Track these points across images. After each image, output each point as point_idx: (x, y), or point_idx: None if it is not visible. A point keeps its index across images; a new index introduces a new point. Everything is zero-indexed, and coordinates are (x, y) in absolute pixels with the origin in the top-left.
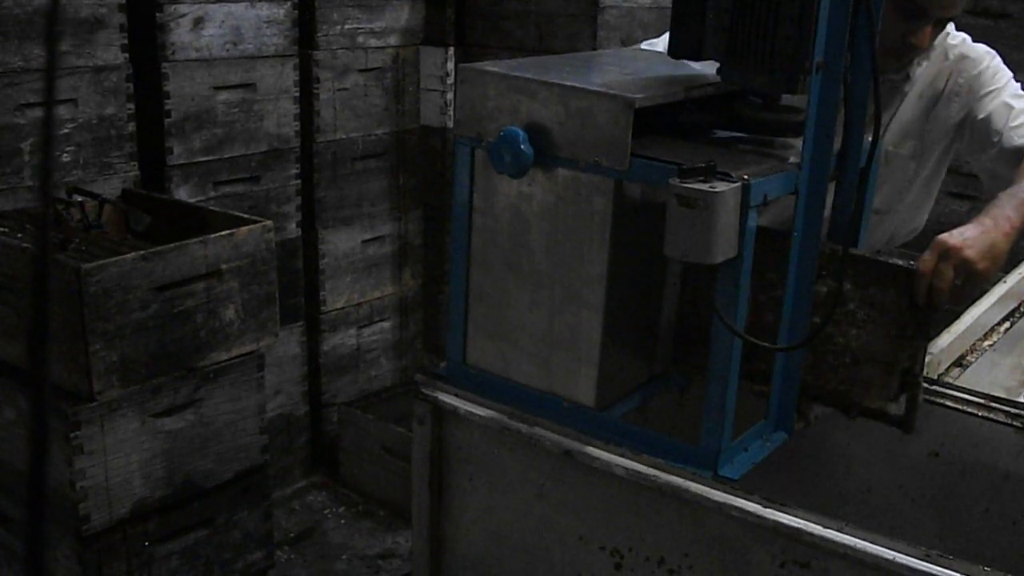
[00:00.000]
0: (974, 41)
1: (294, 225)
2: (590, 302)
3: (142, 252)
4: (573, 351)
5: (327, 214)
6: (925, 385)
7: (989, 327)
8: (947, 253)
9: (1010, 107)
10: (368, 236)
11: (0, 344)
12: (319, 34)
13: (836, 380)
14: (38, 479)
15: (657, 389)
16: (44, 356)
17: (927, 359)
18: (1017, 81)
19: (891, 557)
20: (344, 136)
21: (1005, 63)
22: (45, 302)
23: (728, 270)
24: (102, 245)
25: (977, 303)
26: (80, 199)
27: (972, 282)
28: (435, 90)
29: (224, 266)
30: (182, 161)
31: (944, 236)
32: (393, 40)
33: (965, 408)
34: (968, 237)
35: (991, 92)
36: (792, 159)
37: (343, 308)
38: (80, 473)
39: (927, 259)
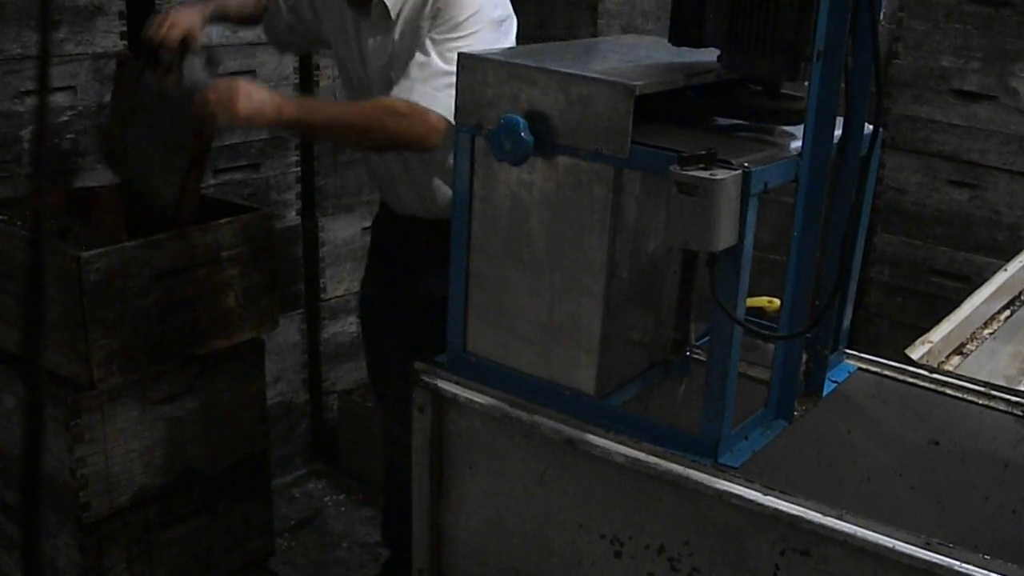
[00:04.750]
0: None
1: (294, 213)
2: (590, 290)
3: (142, 240)
4: (573, 339)
5: (327, 202)
6: (925, 373)
7: (989, 316)
8: (234, 87)
9: (424, 64)
10: (368, 224)
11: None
12: None
13: None
14: (32, 469)
15: (657, 377)
16: (39, 345)
17: (927, 348)
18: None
19: (891, 545)
20: None
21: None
22: (40, 290)
23: (728, 257)
24: (102, 232)
25: (977, 292)
26: None
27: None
28: None
29: (224, 254)
30: None
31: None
32: None
33: (965, 396)
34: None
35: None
36: (793, 147)
37: (343, 296)
38: (80, 461)
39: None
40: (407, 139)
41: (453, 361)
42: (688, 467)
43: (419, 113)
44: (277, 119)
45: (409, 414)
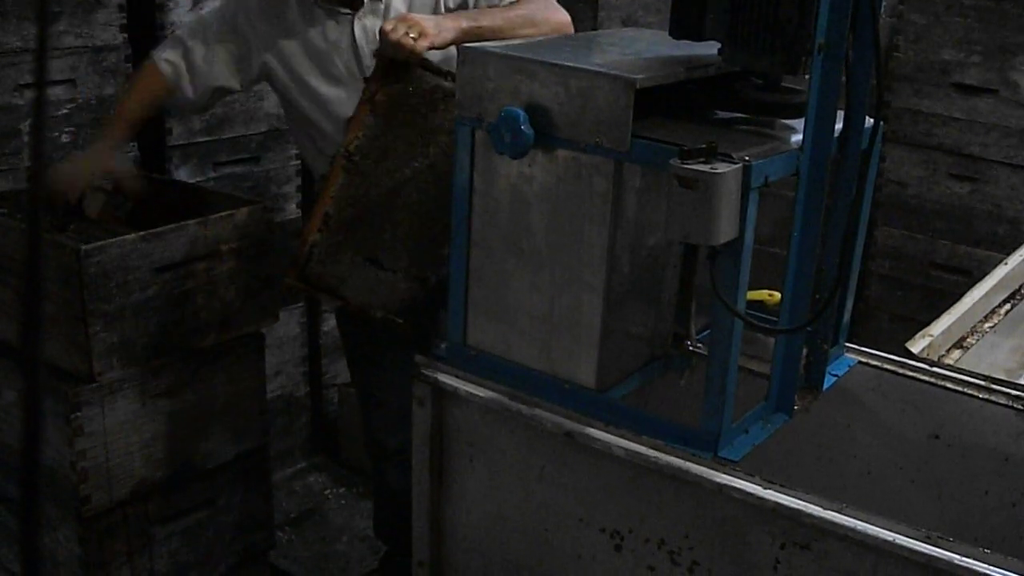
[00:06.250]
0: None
1: (294, 206)
2: (590, 283)
3: (142, 233)
4: (574, 332)
5: None
6: (925, 367)
7: (989, 309)
8: (404, 19)
9: None
10: None
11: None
12: None
13: None
14: (32, 463)
15: (657, 370)
16: (37, 340)
17: (928, 341)
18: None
19: (891, 539)
20: None
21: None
22: (38, 283)
23: (728, 251)
24: (101, 226)
25: (978, 285)
26: None
27: (423, 36)
28: None
29: (224, 247)
30: (182, 142)
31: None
32: None
33: (965, 390)
34: (419, 15)
35: None
36: (793, 140)
37: None
38: (80, 454)
39: (390, 23)
40: (564, 24)
41: (453, 354)
42: (688, 461)
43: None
44: (455, 37)
45: (397, 419)
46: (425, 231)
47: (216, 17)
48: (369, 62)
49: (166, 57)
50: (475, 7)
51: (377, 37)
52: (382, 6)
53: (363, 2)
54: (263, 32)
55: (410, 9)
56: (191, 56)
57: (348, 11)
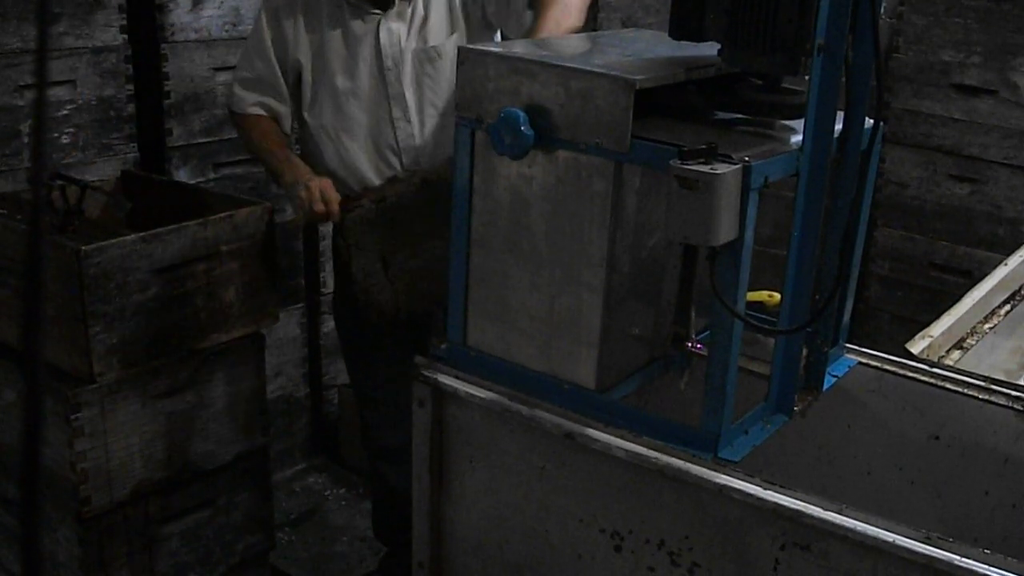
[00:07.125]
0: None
1: None
2: (591, 284)
3: (142, 234)
4: (574, 333)
5: None
6: (925, 367)
7: (989, 310)
8: None
9: None
10: None
11: (0, 326)
12: None
13: None
14: (32, 463)
15: (657, 371)
16: (38, 342)
17: (928, 342)
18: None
19: (891, 539)
20: None
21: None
22: (39, 284)
23: (728, 252)
24: (101, 227)
25: (977, 286)
26: (61, 183)
27: None
28: None
29: (224, 248)
30: (182, 143)
31: None
32: None
33: (965, 391)
34: None
35: None
36: (793, 141)
37: None
38: (80, 455)
39: None
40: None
41: (453, 355)
42: (688, 461)
43: None
44: None
45: (394, 417)
46: (428, 284)
47: (265, 26)
48: (390, 64)
49: (252, 102)
50: (493, 6)
51: (400, 41)
52: (409, 9)
53: (393, 2)
54: (297, 28)
55: (426, 9)
56: (266, 85)
57: (377, 11)
